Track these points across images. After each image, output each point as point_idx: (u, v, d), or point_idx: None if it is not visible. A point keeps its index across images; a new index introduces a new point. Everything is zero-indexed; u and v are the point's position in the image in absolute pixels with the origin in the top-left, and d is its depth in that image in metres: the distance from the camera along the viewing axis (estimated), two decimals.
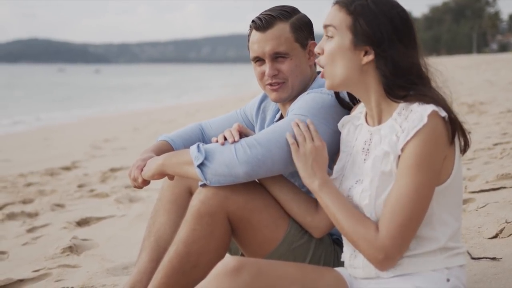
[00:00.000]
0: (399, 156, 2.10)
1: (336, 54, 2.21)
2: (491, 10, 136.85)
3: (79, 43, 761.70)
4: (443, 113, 2.07)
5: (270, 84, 2.77)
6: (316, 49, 2.29)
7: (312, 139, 2.40)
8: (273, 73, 2.74)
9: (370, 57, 2.17)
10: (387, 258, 2.07)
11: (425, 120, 2.05)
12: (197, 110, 20.95)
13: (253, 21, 2.78)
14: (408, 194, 2.05)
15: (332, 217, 2.23)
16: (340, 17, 2.20)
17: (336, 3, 2.25)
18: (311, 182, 2.32)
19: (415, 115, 2.08)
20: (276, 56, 2.74)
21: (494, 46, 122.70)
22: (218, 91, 41.05)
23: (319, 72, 2.83)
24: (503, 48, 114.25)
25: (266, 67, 2.75)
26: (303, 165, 2.37)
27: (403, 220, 2.05)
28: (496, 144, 6.18)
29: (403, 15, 2.18)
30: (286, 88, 2.76)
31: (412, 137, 2.06)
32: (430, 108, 2.06)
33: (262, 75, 2.78)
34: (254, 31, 2.77)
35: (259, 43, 2.74)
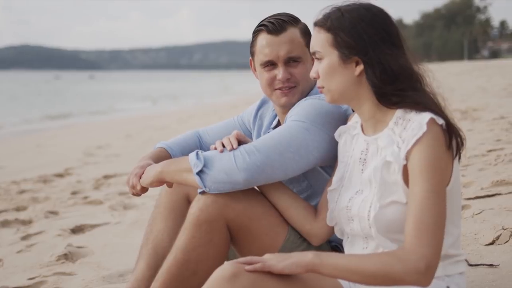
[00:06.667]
0: (404, 166, 2.09)
1: (329, 73, 2.23)
2: (482, 17, 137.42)
3: (71, 50, 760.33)
4: (441, 121, 2.07)
5: (281, 89, 2.75)
6: (312, 74, 2.30)
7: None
8: (286, 77, 2.73)
9: (361, 66, 2.18)
10: (429, 267, 1.97)
11: (424, 128, 2.05)
12: (190, 116, 20.93)
13: (263, 25, 2.75)
14: (428, 197, 2.02)
15: (350, 274, 2.04)
16: (322, 38, 2.23)
17: (315, 25, 2.28)
18: (302, 259, 2.08)
19: (414, 124, 2.08)
20: (289, 60, 2.73)
21: (485, 52, 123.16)
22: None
23: None
24: (494, 55, 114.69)
25: (279, 71, 2.73)
26: (285, 262, 2.09)
27: (430, 223, 2.00)
28: (490, 151, 6.18)
29: (380, 15, 2.20)
30: (297, 92, 2.75)
31: (414, 145, 2.06)
32: (427, 116, 2.07)
33: (272, 80, 2.76)
34: (264, 35, 2.74)
35: (272, 46, 2.72)
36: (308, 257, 2.07)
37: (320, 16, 2.26)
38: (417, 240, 2.00)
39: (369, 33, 2.15)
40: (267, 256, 2.11)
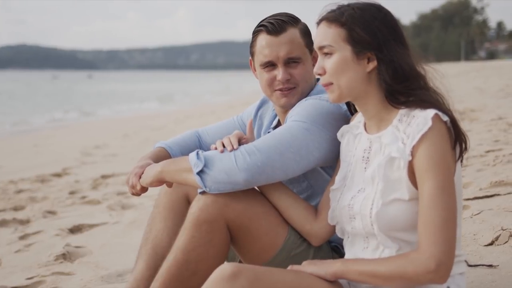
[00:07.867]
0: (409, 162, 2.09)
1: (340, 69, 2.20)
2: (479, 17, 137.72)
3: (68, 49, 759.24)
4: (445, 117, 2.08)
5: (280, 90, 2.75)
6: (316, 70, 2.27)
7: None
8: (286, 78, 2.72)
9: (375, 62, 2.18)
10: (440, 264, 1.99)
11: (429, 123, 2.05)
12: (187, 116, 20.92)
13: (263, 25, 2.74)
14: (435, 194, 2.03)
15: (371, 278, 2.11)
16: (333, 33, 2.21)
17: (322, 20, 2.25)
18: (331, 267, 2.20)
19: (418, 120, 2.09)
20: (289, 61, 2.73)
21: (482, 53, 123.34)
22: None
23: (318, 79, 2.82)
24: (491, 56, 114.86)
25: (279, 72, 2.73)
26: (314, 267, 2.24)
27: (438, 221, 2.01)
28: (488, 151, 6.20)
29: (390, 16, 2.21)
30: (296, 93, 2.74)
31: (419, 141, 2.06)
32: (432, 111, 2.08)
33: (272, 80, 2.76)
34: (264, 35, 2.74)
35: (272, 47, 2.72)
36: (336, 265, 2.18)
37: (329, 12, 2.24)
38: (426, 239, 2.02)
39: (382, 31, 2.16)
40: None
